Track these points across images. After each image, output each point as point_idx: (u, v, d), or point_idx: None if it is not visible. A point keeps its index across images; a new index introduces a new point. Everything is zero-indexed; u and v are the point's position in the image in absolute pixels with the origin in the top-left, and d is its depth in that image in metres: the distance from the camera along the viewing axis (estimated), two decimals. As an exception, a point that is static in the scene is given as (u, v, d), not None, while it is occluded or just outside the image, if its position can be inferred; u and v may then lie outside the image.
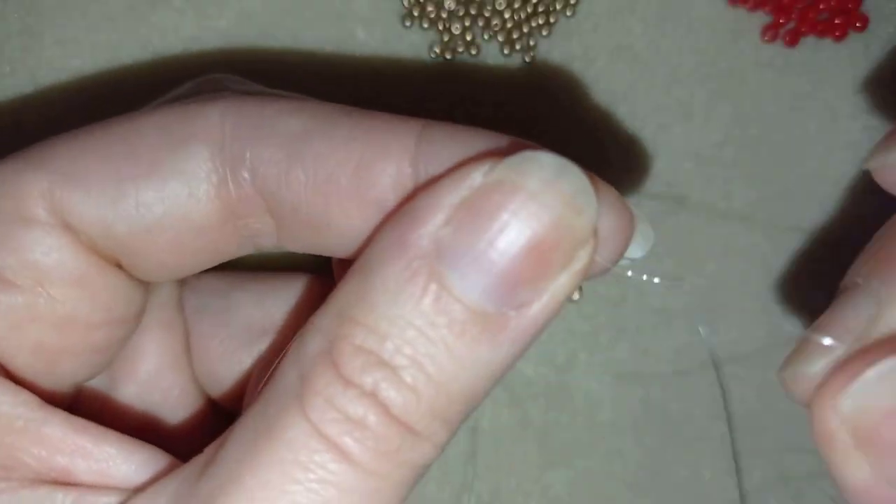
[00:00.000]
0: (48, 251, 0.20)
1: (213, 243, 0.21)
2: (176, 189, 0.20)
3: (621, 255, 0.19)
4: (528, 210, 0.17)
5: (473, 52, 0.30)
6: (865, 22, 0.31)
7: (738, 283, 0.33)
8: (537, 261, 0.17)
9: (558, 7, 0.30)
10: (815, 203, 0.32)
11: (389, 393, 0.17)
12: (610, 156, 0.31)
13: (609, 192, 0.18)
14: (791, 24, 0.31)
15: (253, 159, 0.20)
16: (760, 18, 0.31)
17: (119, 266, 0.21)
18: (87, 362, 0.22)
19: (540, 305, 0.17)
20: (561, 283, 0.17)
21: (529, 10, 0.30)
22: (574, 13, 0.30)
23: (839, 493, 0.21)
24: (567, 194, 0.17)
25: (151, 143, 0.20)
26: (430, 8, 0.30)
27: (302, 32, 0.30)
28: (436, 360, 0.17)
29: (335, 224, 0.20)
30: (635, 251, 0.20)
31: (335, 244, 0.20)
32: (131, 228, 0.20)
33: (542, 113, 0.31)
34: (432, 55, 0.31)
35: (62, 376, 0.22)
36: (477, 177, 0.17)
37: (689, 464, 0.34)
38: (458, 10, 0.30)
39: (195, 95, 0.21)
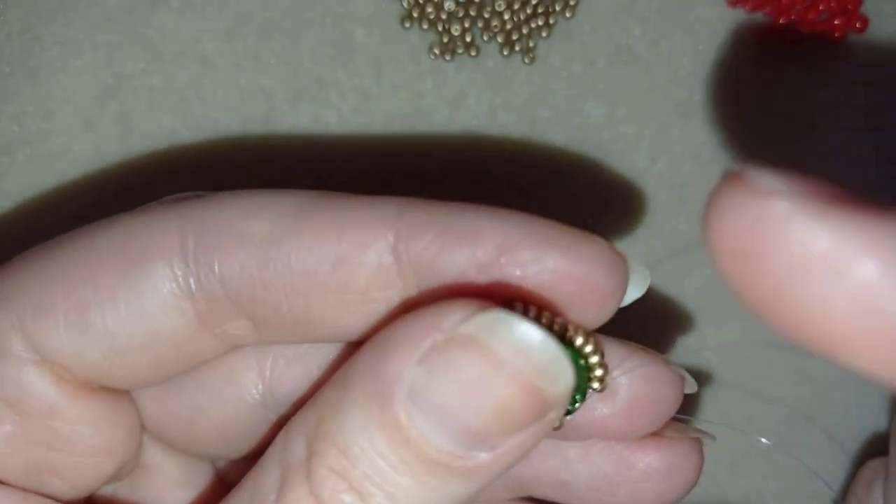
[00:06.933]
0: (18, 386, 0.20)
1: (189, 353, 0.21)
2: (138, 310, 0.20)
3: (615, 309, 0.19)
4: (497, 377, 0.17)
5: (473, 53, 0.30)
6: (865, 23, 0.31)
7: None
8: (507, 419, 0.17)
9: (558, 8, 0.30)
10: (814, 204, 0.32)
11: None
12: (610, 157, 0.31)
13: (601, 249, 0.18)
14: (791, 26, 0.31)
15: (223, 270, 0.19)
16: (760, 19, 0.31)
17: (103, 389, 0.21)
18: (87, 482, 0.22)
19: (511, 447, 0.17)
20: (532, 431, 0.17)
21: (529, 11, 0.30)
22: (574, 14, 0.30)
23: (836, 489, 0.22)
24: (538, 365, 0.17)
25: (109, 265, 0.20)
26: (429, 9, 0.30)
27: (301, 34, 0.30)
28: (404, 489, 0.17)
29: (319, 320, 0.20)
30: (632, 295, 0.20)
31: (323, 337, 0.20)
32: (103, 354, 0.20)
33: (542, 115, 0.31)
34: (432, 56, 0.31)
35: (64, 491, 0.21)
36: (449, 323, 0.17)
37: (689, 464, 0.34)
38: (457, 12, 0.30)
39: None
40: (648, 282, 0.20)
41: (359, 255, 0.19)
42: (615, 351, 0.20)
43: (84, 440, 0.21)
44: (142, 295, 0.20)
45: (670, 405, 0.21)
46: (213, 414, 0.22)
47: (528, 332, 0.17)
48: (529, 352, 0.17)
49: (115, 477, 0.22)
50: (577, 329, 0.19)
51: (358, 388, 0.17)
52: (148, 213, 0.20)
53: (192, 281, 0.20)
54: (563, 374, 0.17)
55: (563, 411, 0.18)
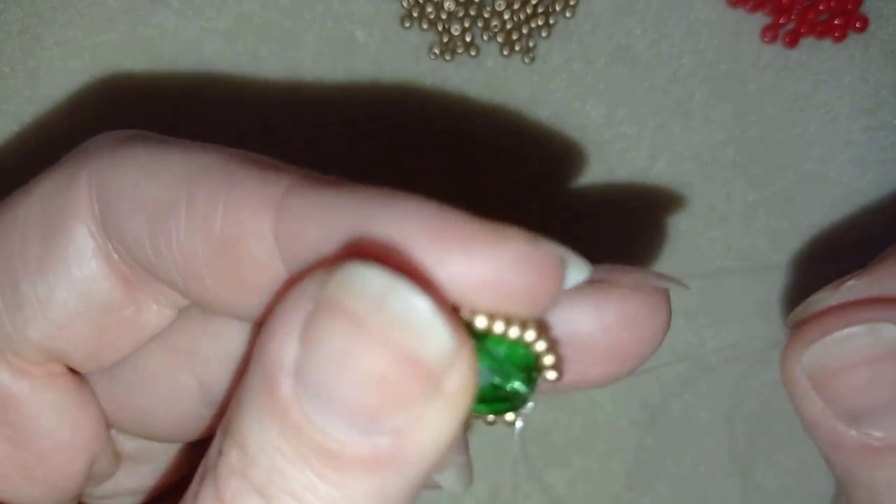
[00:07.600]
0: None
1: (131, 318, 0.20)
2: (66, 276, 0.19)
3: (553, 303, 0.16)
4: (361, 339, 0.14)
5: (473, 53, 0.30)
6: (865, 23, 0.31)
7: (738, 284, 0.33)
8: (390, 391, 0.14)
9: (558, 8, 0.30)
10: (814, 204, 0.32)
11: None
12: (610, 157, 0.31)
13: (519, 248, 0.15)
14: (791, 25, 0.31)
15: (120, 235, 0.19)
16: (760, 19, 0.31)
17: (61, 378, 0.21)
18: (62, 483, 0.21)
19: (421, 430, 0.15)
20: (438, 406, 0.15)
21: (529, 11, 0.30)
22: (573, 14, 0.30)
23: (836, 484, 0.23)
24: (398, 321, 0.14)
25: (33, 235, 0.19)
26: (429, 9, 0.30)
27: (301, 34, 0.30)
28: (312, 490, 0.15)
29: (216, 297, 0.18)
30: (573, 279, 0.17)
31: (234, 313, 0.19)
32: (43, 330, 0.19)
33: (542, 114, 0.31)
34: (432, 56, 0.31)
35: (45, 497, 0.21)
36: (313, 288, 0.15)
37: (689, 464, 0.34)
38: (457, 12, 0.30)
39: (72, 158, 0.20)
40: (587, 270, 0.17)
41: (240, 236, 0.17)
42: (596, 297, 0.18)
43: (49, 434, 0.20)
44: (67, 260, 0.19)
45: (655, 337, 0.19)
46: (162, 412, 0.21)
47: (377, 280, 0.14)
48: (383, 303, 0.14)
49: (94, 478, 0.22)
50: (509, 319, 0.16)
51: (250, 376, 0.16)
52: (60, 171, 0.19)
53: (109, 243, 0.19)
54: (432, 327, 0.14)
55: (465, 372, 0.15)
